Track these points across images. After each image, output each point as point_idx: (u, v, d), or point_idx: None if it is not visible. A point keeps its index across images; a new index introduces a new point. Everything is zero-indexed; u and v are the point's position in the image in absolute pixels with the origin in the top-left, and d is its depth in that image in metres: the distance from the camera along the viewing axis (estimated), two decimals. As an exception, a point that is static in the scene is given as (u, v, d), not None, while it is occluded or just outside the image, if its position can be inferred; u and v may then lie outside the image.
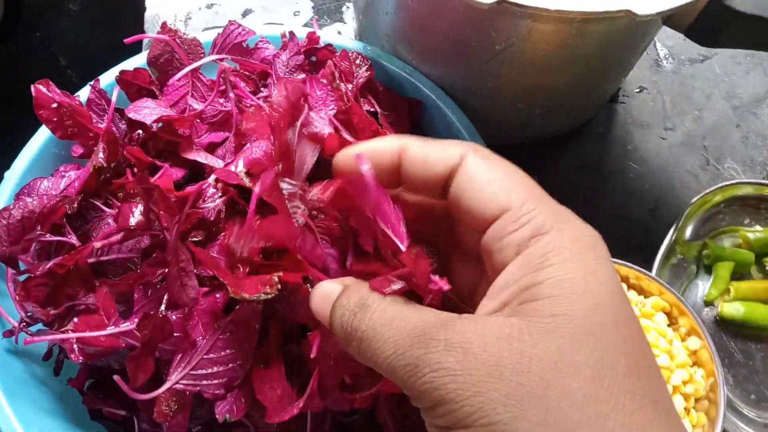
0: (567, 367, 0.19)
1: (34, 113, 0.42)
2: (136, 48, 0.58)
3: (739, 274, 0.50)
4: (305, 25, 0.58)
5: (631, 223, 0.53)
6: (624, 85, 0.57)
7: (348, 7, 0.59)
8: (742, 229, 0.51)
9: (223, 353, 0.34)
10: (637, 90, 0.57)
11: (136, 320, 0.32)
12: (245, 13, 0.59)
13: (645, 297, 0.46)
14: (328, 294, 0.27)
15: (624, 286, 0.46)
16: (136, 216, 0.33)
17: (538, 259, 0.21)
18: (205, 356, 0.33)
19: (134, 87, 0.45)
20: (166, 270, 0.32)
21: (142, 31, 0.58)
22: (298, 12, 0.59)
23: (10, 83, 0.67)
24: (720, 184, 0.49)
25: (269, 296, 0.30)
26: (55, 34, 0.74)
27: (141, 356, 0.31)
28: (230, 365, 0.34)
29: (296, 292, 0.35)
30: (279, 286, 0.30)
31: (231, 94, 0.39)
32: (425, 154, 0.26)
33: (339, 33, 0.58)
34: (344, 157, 0.28)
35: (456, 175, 0.25)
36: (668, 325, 0.45)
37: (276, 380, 0.34)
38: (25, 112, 0.46)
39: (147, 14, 0.59)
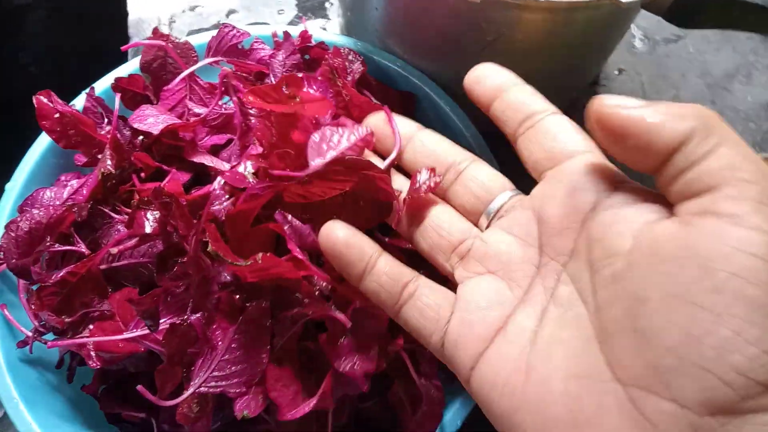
0: None
1: (9, 122, 0.42)
2: (115, 53, 0.58)
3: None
4: (290, 23, 0.59)
5: (617, 201, 0.55)
6: (604, 68, 0.59)
7: (332, 4, 0.60)
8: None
9: (238, 353, 0.34)
10: (617, 72, 0.59)
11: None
12: (229, 13, 0.59)
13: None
14: None
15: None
16: (150, 223, 0.34)
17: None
18: (222, 358, 0.34)
19: (129, 93, 0.45)
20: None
21: (127, 37, 0.58)
22: (282, 10, 0.59)
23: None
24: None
25: (241, 264, 0.31)
26: (23, 44, 0.73)
27: (169, 367, 0.32)
28: (246, 364, 0.34)
29: (299, 289, 0.36)
30: (260, 261, 0.31)
31: (234, 98, 0.39)
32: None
33: (324, 29, 0.59)
34: None
35: None
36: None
37: (289, 378, 0.35)
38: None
39: (130, 19, 0.59)
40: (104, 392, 0.40)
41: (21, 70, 0.73)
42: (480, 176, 0.33)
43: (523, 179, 0.31)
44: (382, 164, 0.35)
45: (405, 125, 0.36)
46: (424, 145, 0.35)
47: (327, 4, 0.60)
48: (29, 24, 0.73)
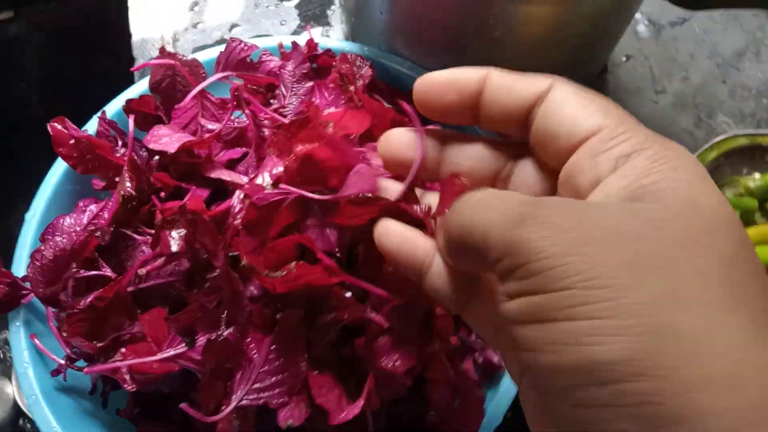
0: (698, 249, 0.18)
1: (12, 156, 0.42)
2: (121, 76, 0.59)
3: (745, 221, 0.52)
4: (293, 33, 0.59)
5: (634, 187, 0.54)
6: (611, 56, 0.58)
7: (333, 11, 0.60)
8: (742, 178, 0.53)
9: (277, 363, 0.34)
10: (624, 59, 0.58)
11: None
12: (231, 27, 0.59)
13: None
14: None
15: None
16: (176, 241, 0.34)
17: (644, 169, 0.20)
18: (261, 369, 0.34)
19: (140, 114, 0.45)
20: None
21: (131, 59, 0.59)
22: (284, 21, 0.59)
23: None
24: (715, 139, 0.51)
25: (277, 275, 0.31)
26: (21, 74, 0.73)
27: (211, 382, 0.32)
28: (286, 374, 0.34)
29: (331, 295, 0.35)
30: (294, 270, 0.31)
31: (247, 111, 0.39)
32: (511, 82, 0.25)
33: (327, 37, 0.59)
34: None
35: (544, 102, 0.24)
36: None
37: (332, 383, 0.35)
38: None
39: (134, 40, 0.59)
40: (140, 414, 0.40)
41: (20, 99, 0.73)
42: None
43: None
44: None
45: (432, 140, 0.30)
46: (455, 157, 0.29)
47: (329, 12, 0.60)
48: (25, 54, 0.74)
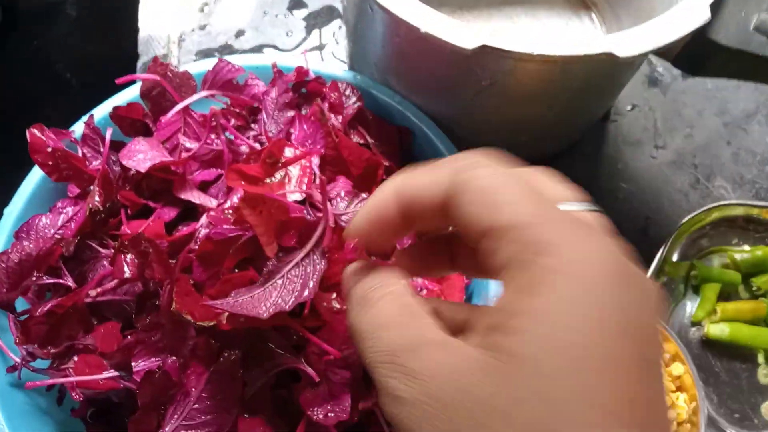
0: (520, 418, 0.17)
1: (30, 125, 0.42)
2: (130, 62, 0.59)
3: (727, 294, 0.51)
4: (298, 45, 0.59)
5: (620, 241, 0.53)
6: (616, 103, 0.57)
7: (340, 27, 0.59)
8: (731, 249, 0.52)
9: (209, 403, 0.35)
10: (629, 108, 0.57)
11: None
12: (238, 34, 0.59)
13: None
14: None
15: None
16: (130, 267, 0.34)
17: (528, 287, 0.19)
18: (193, 407, 0.34)
19: (128, 121, 0.45)
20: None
21: (136, 53, 0.59)
22: (291, 32, 0.59)
23: (6, 95, 0.68)
24: (711, 205, 0.50)
25: (206, 324, 0.31)
26: (53, 41, 0.74)
27: (143, 417, 0.32)
28: (217, 414, 0.35)
29: (272, 339, 0.36)
30: (224, 321, 0.31)
31: (223, 137, 0.39)
32: (418, 189, 0.23)
33: (332, 54, 0.58)
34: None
35: (452, 198, 0.22)
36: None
37: (261, 427, 0.35)
38: (22, 124, 0.47)
39: (140, 36, 0.59)
40: (92, 416, 0.41)
41: (49, 67, 0.74)
42: None
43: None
44: None
45: None
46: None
47: (335, 28, 0.59)
48: (60, 22, 0.75)
